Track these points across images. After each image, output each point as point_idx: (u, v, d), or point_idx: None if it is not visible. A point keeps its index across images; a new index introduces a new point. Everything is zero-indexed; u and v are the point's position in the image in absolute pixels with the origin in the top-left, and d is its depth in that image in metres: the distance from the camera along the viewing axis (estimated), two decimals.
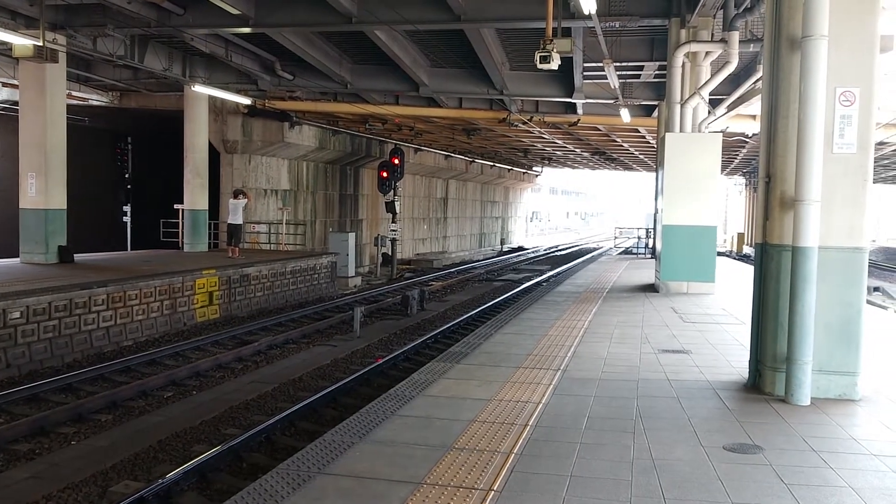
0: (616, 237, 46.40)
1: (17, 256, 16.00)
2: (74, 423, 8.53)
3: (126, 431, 8.32)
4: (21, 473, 6.99)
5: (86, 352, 11.89)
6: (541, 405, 5.80)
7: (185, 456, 7.38)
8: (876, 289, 24.13)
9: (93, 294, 12.15)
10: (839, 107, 5.88)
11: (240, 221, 18.68)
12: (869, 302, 7.64)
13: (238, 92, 20.11)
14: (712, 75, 13.43)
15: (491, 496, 4.00)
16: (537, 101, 22.30)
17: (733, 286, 14.87)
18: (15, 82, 17.16)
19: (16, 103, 16.95)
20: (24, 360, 10.80)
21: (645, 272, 18.18)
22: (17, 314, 10.72)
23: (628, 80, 18.92)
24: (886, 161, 33.24)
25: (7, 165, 19.85)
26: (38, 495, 6.38)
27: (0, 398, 9.04)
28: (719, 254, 18.17)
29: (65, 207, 16.02)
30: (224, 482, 6.73)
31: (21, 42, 12.44)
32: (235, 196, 18.63)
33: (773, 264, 6.18)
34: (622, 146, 33.47)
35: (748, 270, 19.27)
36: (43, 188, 15.54)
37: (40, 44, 12.54)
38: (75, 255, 16.31)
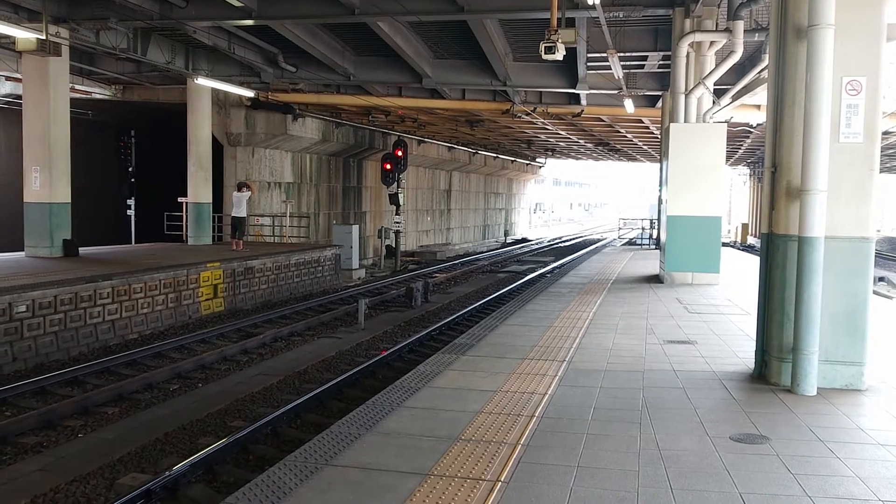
0: (620, 228, 46.45)
1: (23, 250, 16.04)
2: (81, 415, 8.57)
3: (132, 424, 8.35)
4: (29, 466, 7.03)
5: (91, 345, 11.93)
6: (547, 396, 5.80)
7: (192, 448, 7.40)
8: (881, 279, 24.07)
9: (98, 287, 12.18)
10: (846, 96, 5.86)
11: (244, 214, 18.70)
12: (874, 292, 7.62)
13: (241, 84, 20.08)
14: (717, 65, 13.39)
15: (498, 487, 4.01)
16: (541, 91, 22.23)
17: (738, 277, 14.84)
18: (18, 76, 17.15)
19: (19, 97, 16.95)
20: (31, 354, 10.84)
21: (649, 263, 18.16)
22: (22, 308, 10.76)
23: (632, 71, 18.85)
24: (892, 150, 33.08)
25: (11, 159, 19.87)
26: (46, 488, 6.41)
27: (7, 392, 9.08)
28: (724, 244, 18.14)
29: (69, 201, 16.05)
30: (231, 474, 6.76)
31: (24, 35, 12.43)
32: (239, 189, 18.65)
33: (779, 254, 6.17)
34: (626, 137, 33.37)
35: (753, 261, 19.24)
36: (47, 182, 15.56)
37: (43, 37, 12.53)
38: (80, 248, 16.34)
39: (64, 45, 14.60)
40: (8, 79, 19.16)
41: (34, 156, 15.61)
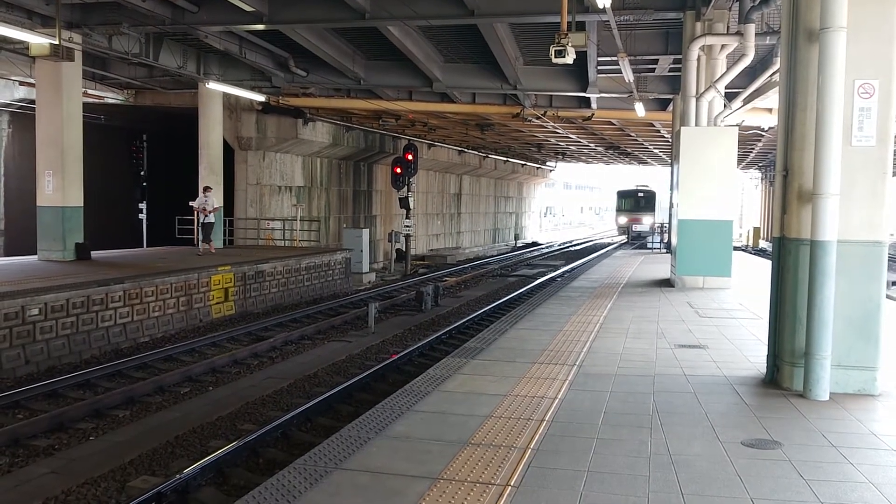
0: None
1: (36, 254, 16.15)
2: (92, 418, 8.61)
3: (143, 427, 8.38)
4: (40, 469, 7.06)
5: (103, 348, 11.99)
6: (557, 400, 5.78)
7: (202, 451, 7.43)
8: (894, 283, 23.87)
9: (110, 291, 12.24)
10: (858, 99, 5.82)
11: (212, 218, 18.21)
12: (888, 296, 7.50)
13: (252, 89, 20.15)
14: (728, 68, 13.32)
15: (508, 491, 3.99)
16: (551, 95, 22.21)
17: (750, 281, 14.76)
18: (32, 81, 17.28)
19: (33, 102, 17.08)
20: (43, 357, 10.90)
21: (660, 267, 18.08)
22: (35, 311, 10.82)
23: (643, 74, 18.80)
24: None
25: (25, 163, 20.01)
26: (58, 490, 6.45)
27: (19, 394, 9.13)
28: (735, 248, 18.04)
29: (81, 205, 16.15)
30: (241, 477, 6.76)
31: (37, 41, 12.52)
32: (205, 192, 18.17)
33: (790, 258, 6.13)
34: (637, 140, 33.29)
35: (765, 265, 19.12)
36: (60, 186, 15.67)
37: (56, 42, 12.61)
38: (92, 252, 16.44)
39: (77, 51, 14.69)
40: (21, 83, 19.31)
41: (47, 160, 15.72)
